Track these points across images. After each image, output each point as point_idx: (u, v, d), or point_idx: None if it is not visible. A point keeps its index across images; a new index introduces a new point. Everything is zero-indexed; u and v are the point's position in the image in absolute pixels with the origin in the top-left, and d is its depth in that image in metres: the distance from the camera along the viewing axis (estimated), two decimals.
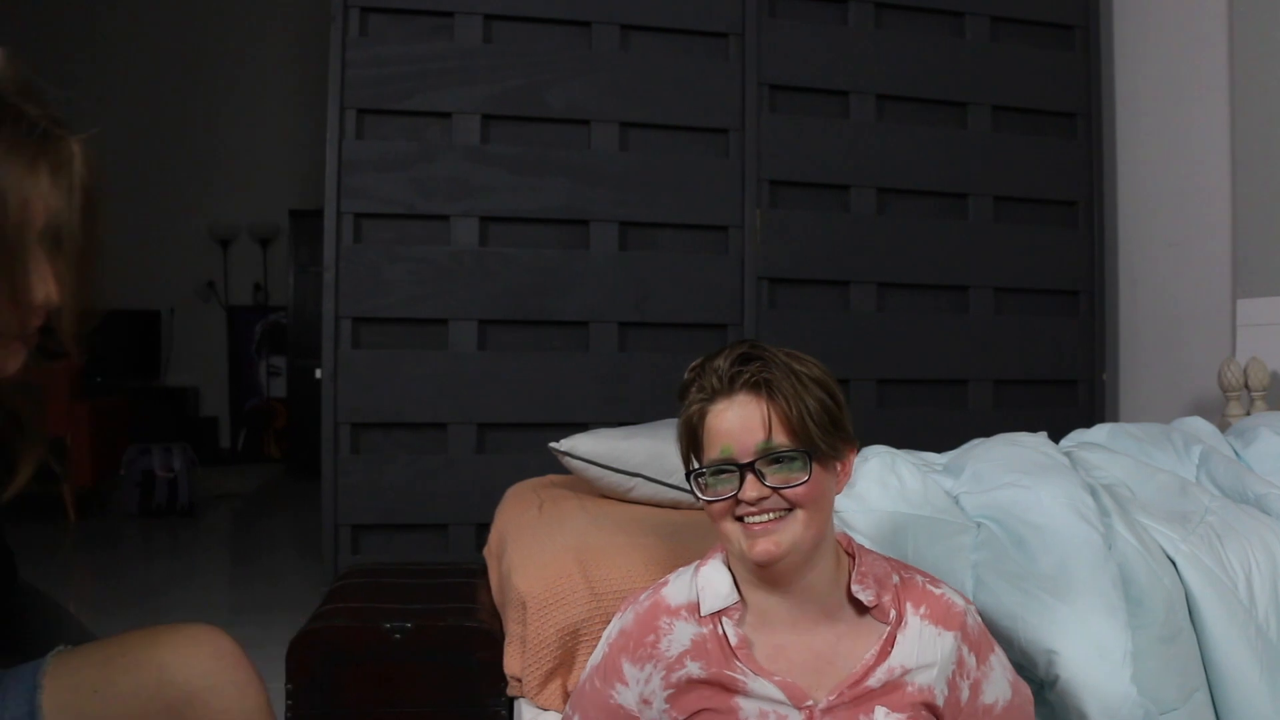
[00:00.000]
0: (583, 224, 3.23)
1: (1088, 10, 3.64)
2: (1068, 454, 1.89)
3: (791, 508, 1.19)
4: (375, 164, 3.08)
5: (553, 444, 2.26)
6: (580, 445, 2.20)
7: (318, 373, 3.09)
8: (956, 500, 1.76)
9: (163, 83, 7.51)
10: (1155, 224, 3.57)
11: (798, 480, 1.18)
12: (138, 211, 7.15)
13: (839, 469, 1.25)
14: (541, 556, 1.81)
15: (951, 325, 3.50)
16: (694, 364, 1.26)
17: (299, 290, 7.14)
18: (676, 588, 1.30)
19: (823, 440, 1.20)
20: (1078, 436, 2.16)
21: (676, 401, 1.28)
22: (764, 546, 1.18)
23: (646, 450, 2.13)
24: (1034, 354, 3.55)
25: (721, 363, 1.22)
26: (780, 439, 1.18)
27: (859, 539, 1.38)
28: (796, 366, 1.22)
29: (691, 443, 1.25)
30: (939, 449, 2.02)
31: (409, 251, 3.11)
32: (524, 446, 3.07)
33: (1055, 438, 2.06)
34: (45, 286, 0.96)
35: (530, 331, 3.20)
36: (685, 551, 1.64)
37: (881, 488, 1.71)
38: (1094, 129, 3.62)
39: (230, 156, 7.64)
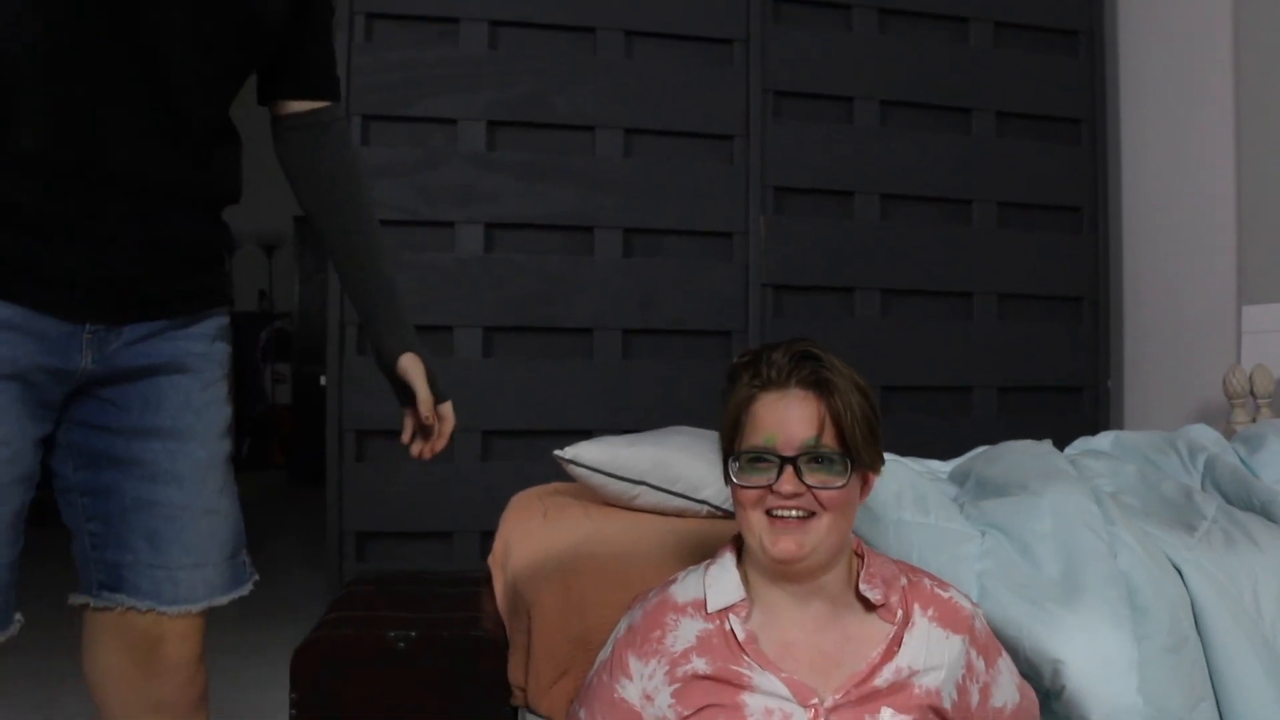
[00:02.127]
0: (587, 230, 3.23)
1: (1092, 16, 3.63)
2: (1072, 462, 1.89)
3: (817, 511, 1.20)
4: (380, 170, 3.08)
5: (557, 452, 2.26)
6: (584, 453, 2.19)
7: (323, 379, 3.09)
8: (961, 508, 1.76)
9: None
10: (1160, 230, 3.56)
11: (835, 484, 1.20)
12: None
13: (865, 481, 1.27)
14: (546, 565, 1.81)
15: (955, 332, 3.49)
16: (746, 351, 1.30)
17: (304, 297, 7.15)
18: (684, 585, 1.31)
19: (864, 450, 1.22)
20: (1082, 444, 2.16)
21: (724, 387, 1.30)
22: (786, 545, 1.19)
23: (650, 458, 2.12)
24: (1038, 361, 3.54)
25: (779, 356, 1.24)
26: (828, 440, 1.21)
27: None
28: (846, 373, 1.26)
29: (734, 428, 1.26)
30: (943, 457, 2.02)
31: (414, 258, 3.10)
32: (529, 454, 3.06)
33: (1060, 445, 2.06)
34: None
35: (535, 338, 3.20)
36: (690, 559, 1.64)
37: (886, 495, 1.71)
38: (1098, 135, 3.62)
39: None
